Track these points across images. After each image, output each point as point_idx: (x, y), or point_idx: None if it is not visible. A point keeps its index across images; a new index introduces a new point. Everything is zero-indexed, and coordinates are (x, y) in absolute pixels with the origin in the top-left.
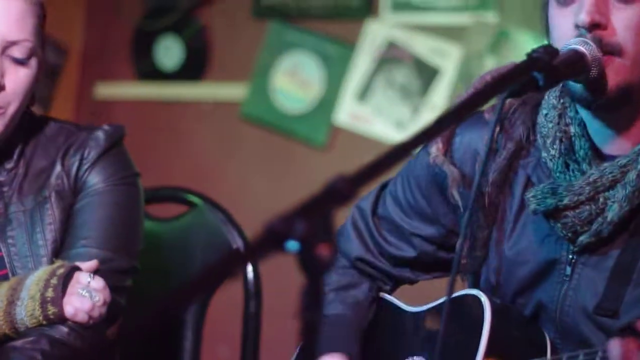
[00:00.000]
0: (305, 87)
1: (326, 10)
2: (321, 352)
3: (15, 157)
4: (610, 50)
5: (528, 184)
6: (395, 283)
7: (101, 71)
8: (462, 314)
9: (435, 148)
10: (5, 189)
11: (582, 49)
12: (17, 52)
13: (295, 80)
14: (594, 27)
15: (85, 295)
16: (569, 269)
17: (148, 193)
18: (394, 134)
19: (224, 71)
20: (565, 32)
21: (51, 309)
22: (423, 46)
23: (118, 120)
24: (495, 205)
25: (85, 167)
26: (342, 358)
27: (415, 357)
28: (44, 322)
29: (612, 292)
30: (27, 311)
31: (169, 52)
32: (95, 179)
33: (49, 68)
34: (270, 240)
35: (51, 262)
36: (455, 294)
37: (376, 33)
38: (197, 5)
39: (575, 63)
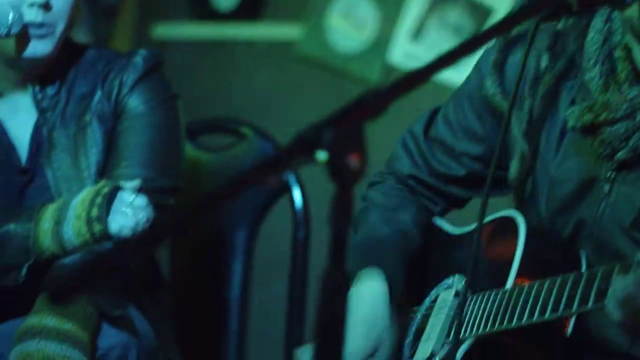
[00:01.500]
0: (360, 26)
1: None
2: (360, 274)
3: (57, 83)
4: None
5: (572, 104)
6: (446, 203)
7: (158, 11)
8: (499, 234)
9: (490, 82)
10: (48, 114)
11: None
12: None
13: (350, 20)
14: None
15: (129, 213)
16: (607, 186)
17: (200, 123)
18: (446, 73)
19: (279, 11)
20: None
21: (97, 227)
22: None
23: (175, 60)
24: (541, 122)
25: (125, 91)
26: (382, 284)
27: (447, 279)
28: (91, 240)
29: None
30: (73, 230)
31: None
32: (134, 102)
33: (107, 8)
34: (299, 148)
35: (95, 184)
36: (494, 215)
37: None
38: None
39: None
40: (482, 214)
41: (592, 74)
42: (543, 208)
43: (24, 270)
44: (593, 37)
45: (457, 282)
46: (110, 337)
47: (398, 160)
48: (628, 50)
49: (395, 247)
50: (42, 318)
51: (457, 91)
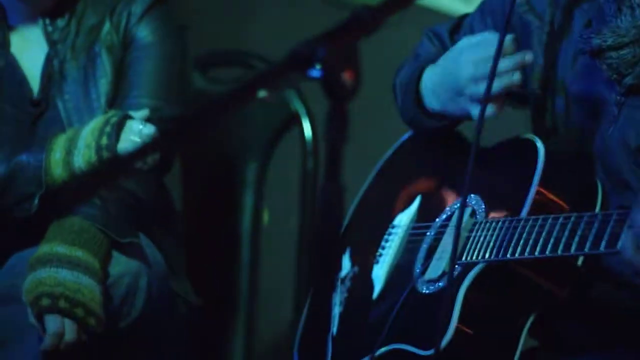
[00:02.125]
0: None
1: None
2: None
3: (67, 15)
4: None
5: (587, 25)
6: None
7: None
8: (517, 157)
9: None
10: (59, 46)
11: None
12: None
13: None
14: None
15: (138, 142)
16: (616, 110)
17: (212, 56)
18: (460, 7)
19: None
20: None
21: (106, 155)
22: None
23: None
24: (560, 35)
25: (133, 21)
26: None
27: (471, 196)
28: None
29: None
30: (84, 159)
31: None
32: (143, 33)
33: None
34: (293, 65)
35: (105, 114)
36: (511, 138)
37: None
38: None
39: None
40: (480, 124)
41: None
42: (561, 128)
43: (36, 200)
44: None
45: (473, 201)
46: (120, 264)
47: (420, 46)
48: None
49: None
50: (54, 246)
51: (482, 4)
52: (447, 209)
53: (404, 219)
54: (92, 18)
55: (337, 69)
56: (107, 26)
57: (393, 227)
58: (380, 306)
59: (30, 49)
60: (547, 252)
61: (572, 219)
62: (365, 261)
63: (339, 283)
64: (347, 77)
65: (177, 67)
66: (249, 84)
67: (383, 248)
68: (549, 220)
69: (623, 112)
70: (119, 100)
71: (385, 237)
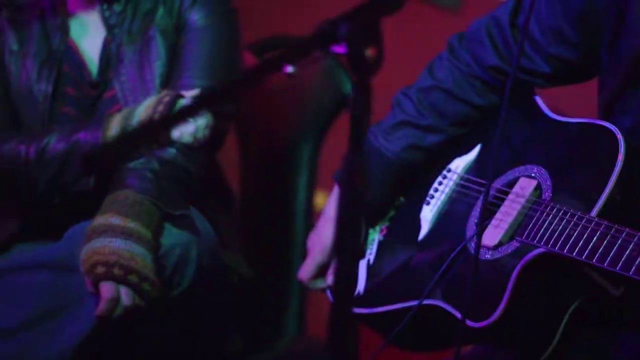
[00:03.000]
0: None
1: None
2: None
3: (123, 1)
4: None
5: None
6: None
7: None
8: (594, 144)
9: None
10: (116, 31)
11: None
12: None
13: None
14: None
15: (189, 119)
16: None
17: (266, 40)
18: None
19: None
20: None
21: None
22: None
23: None
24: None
25: (186, 5)
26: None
27: (532, 166)
28: (154, 146)
29: None
30: None
31: None
32: (195, 16)
33: None
34: (318, 41)
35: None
36: (590, 120)
37: None
38: None
39: None
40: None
41: None
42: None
43: (94, 177)
44: None
45: (540, 175)
46: (172, 236)
47: (482, 48)
48: None
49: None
50: (108, 217)
51: None
52: (510, 172)
53: (461, 165)
54: (147, 3)
55: (361, 45)
56: (160, 10)
57: (449, 170)
58: (426, 252)
59: (88, 33)
60: (617, 268)
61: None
62: (413, 195)
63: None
64: (370, 52)
65: (228, 49)
66: (277, 60)
67: (435, 190)
68: (623, 235)
69: None
70: (172, 82)
71: (439, 179)
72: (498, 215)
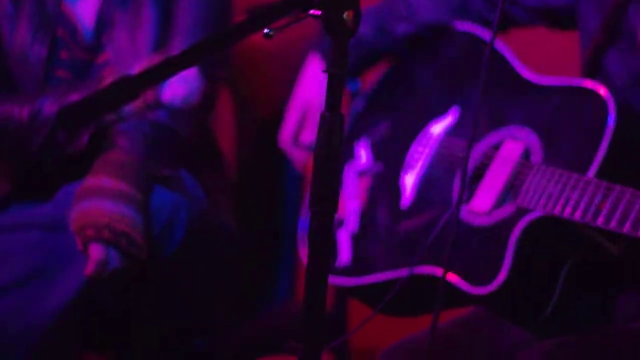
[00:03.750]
0: None
1: None
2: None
3: None
4: None
5: None
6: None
7: None
8: (581, 105)
9: None
10: None
11: None
12: None
13: None
14: None
15: (180, 82)
16: None
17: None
18: None
19: None
20: None
21: (149, 94)
22: None
23: None
24: None
25: None
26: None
27: (516, 127)
28: (145, 108)
29: None
30: None
31: None
32: None
33: None
34: (295, 2)
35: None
36: (575, 81)
37: None
38: None
39: None
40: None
41: None
42: (615, 76)
43: (86, 138)
44: None
45: (527, 138)
46: (160, 196)
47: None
48: None
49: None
50: (99, 179)
51: None
52: (492, 134)
53: (438, 129)
54: None
55: (337, 8)
56: None
57: (426, 134)
58: (412, 220)
59: None
60: (624, 229)
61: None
62: (391, 162)
63: (352, 172)
64: (347, 15)
65: (220, 14)
66: (253, 21)
67: (415, 156)
68: (628, 193)
69: None
70: (164, 46)
71: (418, 144)
72: (487, 180)
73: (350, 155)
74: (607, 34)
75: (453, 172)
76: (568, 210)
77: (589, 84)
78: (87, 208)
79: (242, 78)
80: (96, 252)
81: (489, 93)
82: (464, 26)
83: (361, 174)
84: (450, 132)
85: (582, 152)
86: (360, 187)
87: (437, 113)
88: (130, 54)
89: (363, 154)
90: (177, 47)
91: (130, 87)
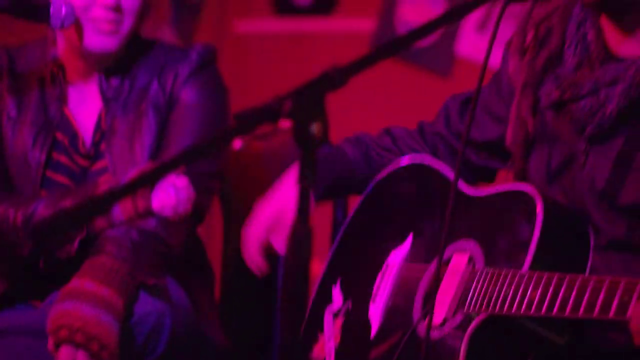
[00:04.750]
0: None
1: None
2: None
3: (121, 75)
4: None
5: (550, 81)
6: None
7: (239, 7)
8: (514, 207)
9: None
10: (112, 104)
11: None
12: None
13: (420, 12)
14: None
15: (170, 192)
16: (583, 158)
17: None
18: None
19: (353, 5)
20: None
21: (140, 202)
22: None
23: (255, 53)
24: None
25: (178, 83)
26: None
27: (461, 241)
28: (135, 215)
29: (615, 177)
30: (120, 207)
31: None
32: (187, 94)
33: (192, 5)
34: (265, 115)
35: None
36: (504, 187)
37: None
38: None
39: None
40: (457, 174)
41: (567, 56)
42: (535, 178)
43: (76, 244)
44: (570, 23)
45: (471, 247)
46: (146, 304)
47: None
48: (600, 33)
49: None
50: (83, 282)
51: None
52: (445, 250)
53: (396, 257)
54: (143, 78)
55: (306, 120)
56: (155, 86)
57: (387, 265)
58: (379, 348)
59: (85, 103)
60: (553, 313)
61: (579, 281)
62: (359, 297)
63: (329, 315)
64: (314, 128)
65: (216, 125)
66: (225, 133)
67: (378, 286)
68: (554, 280)
69: (589, 160)
70: (159, 154)
71: (380, 275)
72: (440, 295)
73: (328, 299)
74: (528, 141)
75: (412, 297)
76: (506, 306)
77: (517, 186)
78: (65, 309)
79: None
80: (65, 354)
81: (439, 216)
82: (416, 158)
83: (335, 314)
84: (407, 258)
85: (517, 248)
86: (335, 327)
87: (395, 243)
88: (127, 162)
89: (336, 295)
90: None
91: (113, 198)
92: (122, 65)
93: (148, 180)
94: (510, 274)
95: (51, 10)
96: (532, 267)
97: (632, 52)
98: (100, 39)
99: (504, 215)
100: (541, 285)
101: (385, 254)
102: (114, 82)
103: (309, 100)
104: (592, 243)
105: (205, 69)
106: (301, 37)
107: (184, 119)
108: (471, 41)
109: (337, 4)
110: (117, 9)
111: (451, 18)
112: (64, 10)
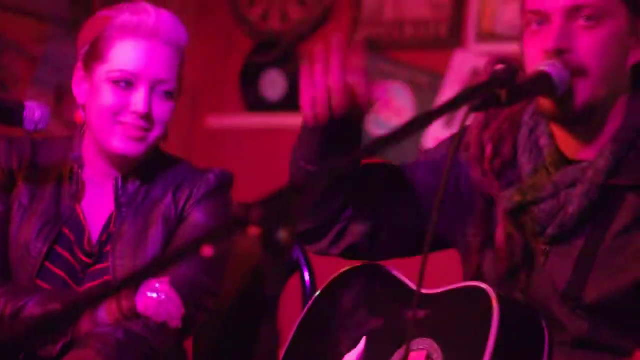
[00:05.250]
0: (399, 114)
1: (416, 42)
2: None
3: (138, 182)
4: (576, 71)
5: (508, 186)
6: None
7: (211, 103)
8: (470, 305)
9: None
10: (124, 209)
11: (548, 69)
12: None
13: (389, 108)
14: (561, 52)
15: (153, 295)
16: (543, 259)
17: None
18: None
19: None
20: (535, 56)
21: (125, 304)
22: None
23: (227, 148)
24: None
25: (192, 202)
26: None
27: (419, 338)
28: (120, 317)
29: (577, 278)
30: (106, 310)
31: (274, 84)
32: (197, 214)
33: None
34: (234, 224)
35: None
36: (459, 285)
37: (462, 62)
38: (299, 41)
39: (540, 82)
40: (421, 276)
41: (523, 161)
42: (492, 276)
43: (59, 347)
44: (522, 131)
45: (429, 345)
46: None
47: None
48: (553, 138)
49: None
50: None
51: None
52: (399, 351)
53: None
54: (158, 189)
55: (274, 227)
56: (168, 199)
57: None
58: None
59: (98, 202)
60: None
61: None
62: None
63: None
64: (283, 235)
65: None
66: (196, 242)
67: None
68: None
69: (550, 260)
70: None
71: None
72: None
73: None
74: (482, 242)
75: None
76: None
77: (472, 283)
78: None
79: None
80: None
81: (392, 316)
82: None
83: None
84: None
85: (475, 344)
86: None
87: (349, 348)
88: (129, 267)
89: None
90: (172, 271)
91: (97, 300)
92: (141, 173)
93: (131, 282)
94: None
95: (25, 113)
96: None
97: (587, 156)
98: (128, 144)
99: (461, 313)
100: None
101: (338, 357)
102: (131, 188)
103: (277, 208)
104: (547, 339)
105: (219, 192)
106: (272, 131)
107: (189, 232)
108: (437, 135)
109: None
110: (148, 117)
111: (416, 127)
112: (37, 113)
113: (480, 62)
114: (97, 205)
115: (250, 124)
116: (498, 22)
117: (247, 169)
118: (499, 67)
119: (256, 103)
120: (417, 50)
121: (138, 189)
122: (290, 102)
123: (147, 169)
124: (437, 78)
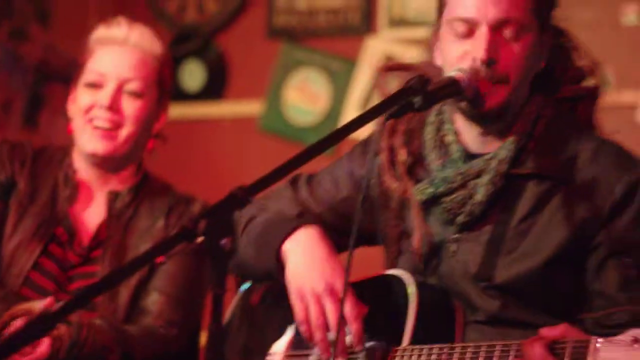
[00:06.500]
0: (314, 100)
1: (330, 29)
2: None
3: (131, 197)
4: (499, 80)
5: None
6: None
7: None
8: (388, 291)
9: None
10: (113, 220)
11: (457, 76)
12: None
13: (305, 95)
14: (492, 62)
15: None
16: (454, 246)
17: None
18: None
19: (241, 90)
20: (453, 59)
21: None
22: (418, 59)
23: None
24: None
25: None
26: (315, 228)
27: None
28: None
29: (487, 261)
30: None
31: (193, 75)
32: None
33: None
34: (183, 235)
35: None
36: (379, 273)
37: (375, 48)
38: (216, 31)
39: (449, 87)
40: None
41: (432, 157)
42: (409, 265)
43: None
44: (428, 130)
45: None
46: None
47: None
48: (458, 135)
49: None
50: None
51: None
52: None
53: (279, 347)
54: (148, 211)
55: (216, 236)
56: (160, 224)
57: (270, 354)
58: None
59: (92, 209)
60: None
61: (471, 348)
62: None
63: None
64: (224, 242)
65: (197, 286)
66: (150, 254)
67: None
68: (435, 351)
69: (461, 246)
70: (142, 297)
71: None
72: None
73: None
74: (399, 233)
75: None
76: None
77: (392, 271)
78: None
79: None
80: None
81: None
82: None
83: None
84: (291, 346)
85: (395, 326)
86: None
87: (276, 336)
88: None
89: None
90: (152, 309)
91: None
92: (132, 191)
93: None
94: (392, 348)
95: None
96: (413, 341)
97: (489, 149)
98: (97, 142)
99: (380, 299)
100: (422, 356)
101: (266, 348)
102: (126, 198)
103: (219, 218)
104: (457, 318)
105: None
106: (192, 121)
107: (171, 267)
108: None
109: (225, 89)
110: (114, 112)
111: (335, 138)
112: None
113: (392, 48)
114: (90, 211)
115: (169, 114)
116: (408, 9)
117: (166, 159)
118: (412, 78)
119: (175, 93)
120: (330, 37)
121: (129, 205)
122: (209, 92)
123: (137, 192)
124: (350, 64)
